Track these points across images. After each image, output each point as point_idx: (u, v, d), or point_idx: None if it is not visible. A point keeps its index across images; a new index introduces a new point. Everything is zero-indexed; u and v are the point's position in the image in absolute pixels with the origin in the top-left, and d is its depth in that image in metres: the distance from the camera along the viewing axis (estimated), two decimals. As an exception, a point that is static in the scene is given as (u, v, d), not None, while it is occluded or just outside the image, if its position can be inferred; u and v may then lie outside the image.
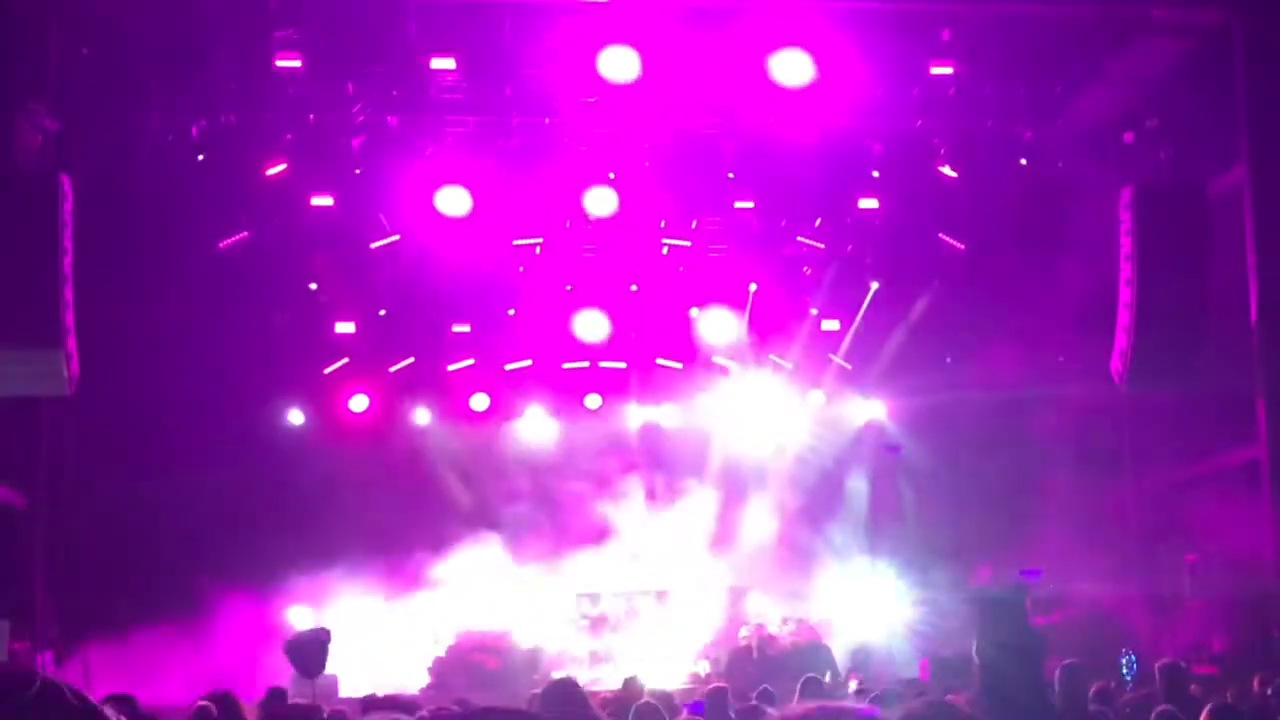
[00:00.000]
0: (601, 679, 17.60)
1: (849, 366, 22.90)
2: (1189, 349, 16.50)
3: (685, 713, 8.81)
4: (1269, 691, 10.19)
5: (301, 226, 20.18)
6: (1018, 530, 19.91)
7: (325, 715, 9.30)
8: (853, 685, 10.11)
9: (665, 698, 10.48)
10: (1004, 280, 20.72)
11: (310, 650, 14.84)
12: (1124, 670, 17.11)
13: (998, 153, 19.50)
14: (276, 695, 11.83)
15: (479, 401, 23.07)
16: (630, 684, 11.48)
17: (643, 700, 8.50)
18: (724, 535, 22.45)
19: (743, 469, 22.92)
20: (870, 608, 21.42)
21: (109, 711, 2.23)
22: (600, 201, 19.69)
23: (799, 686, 10.63)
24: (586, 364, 23.19)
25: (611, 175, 19.61)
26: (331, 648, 15.35)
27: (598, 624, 20.66)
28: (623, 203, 19.74)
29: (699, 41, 17.23)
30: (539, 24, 17.17)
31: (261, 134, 18.68)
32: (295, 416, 22.24)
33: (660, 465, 23.01)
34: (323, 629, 15.74)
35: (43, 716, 2.15)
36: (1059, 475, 20.13)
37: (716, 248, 21.78)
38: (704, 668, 19.84)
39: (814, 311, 22.80)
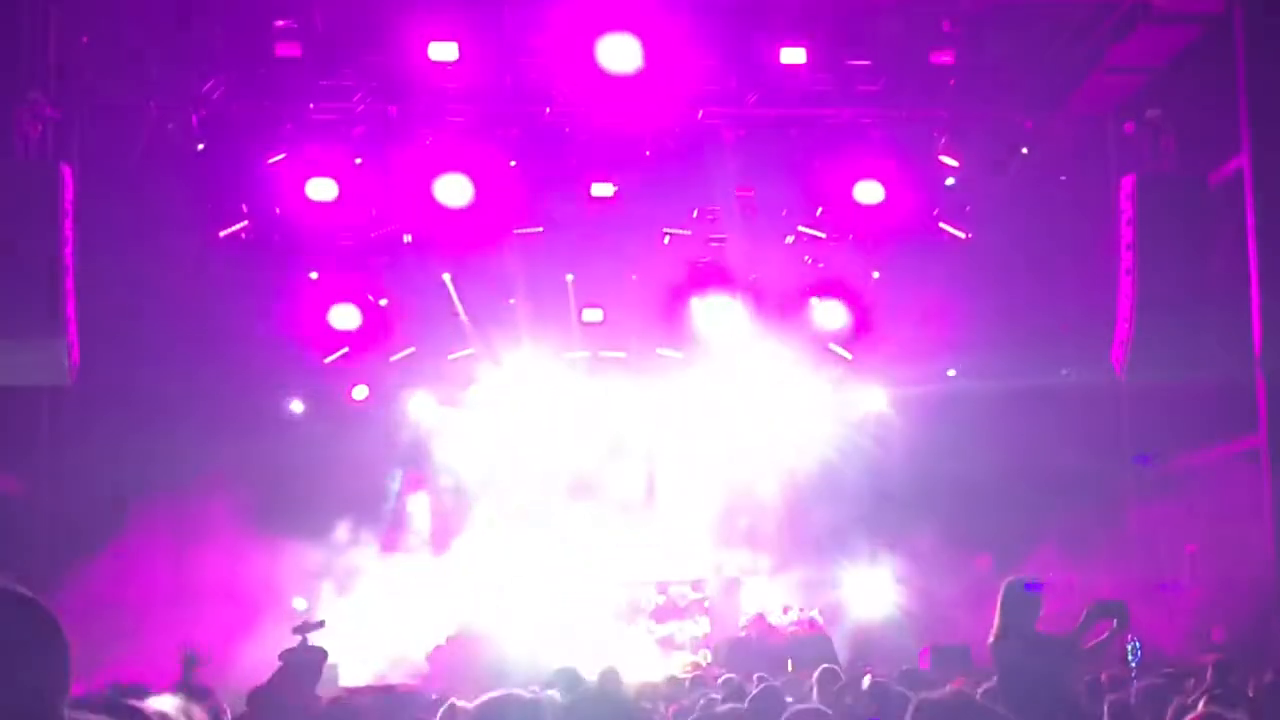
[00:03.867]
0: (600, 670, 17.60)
1: (849, 356, 22.88)
2: (1189, 338, 16.52)
3: None
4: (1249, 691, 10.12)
5: (302, 215, 20.17)
6: (1018, 519, 19.90)
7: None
8: (866, 681, 10.08)
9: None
10: (1004, 269, 20.71)
11: (307, 670, 14.79)
12: (1130, 657, 17.11)
13: (998, 142, 19.49)
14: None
15: (478, 390, 23.07)
16: (607, 675, 11.40)
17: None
18: (724, 525, 22.47)
19: (742, 459, 22.92)
20: (871, 597, 21.44)
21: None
22: (600, 189, 19.69)
23: (816, 677, 10.60)
24: (587, 354, 23.18)
25: (613, 180, 19.60)
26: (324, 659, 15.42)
27: (598, 615, 20.69)
28: (622, 191, 19.74)
29: (698, 31, 17.22)
30: (539, 12, 17.16)
31: (262, 123, 18.67)
32: (296, 405, 22.26)
33: (659, 455, 23.03)
34: (320, 650, 15.71)
35: None
36: (1059, 464, 20.12)
37: (717, 237, 21.76)
38: (704, 658, 19.88)
39: (814, 301, 22.78)
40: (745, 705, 8.15)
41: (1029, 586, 8.74)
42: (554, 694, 7.42)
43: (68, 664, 2.22)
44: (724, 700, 9.36)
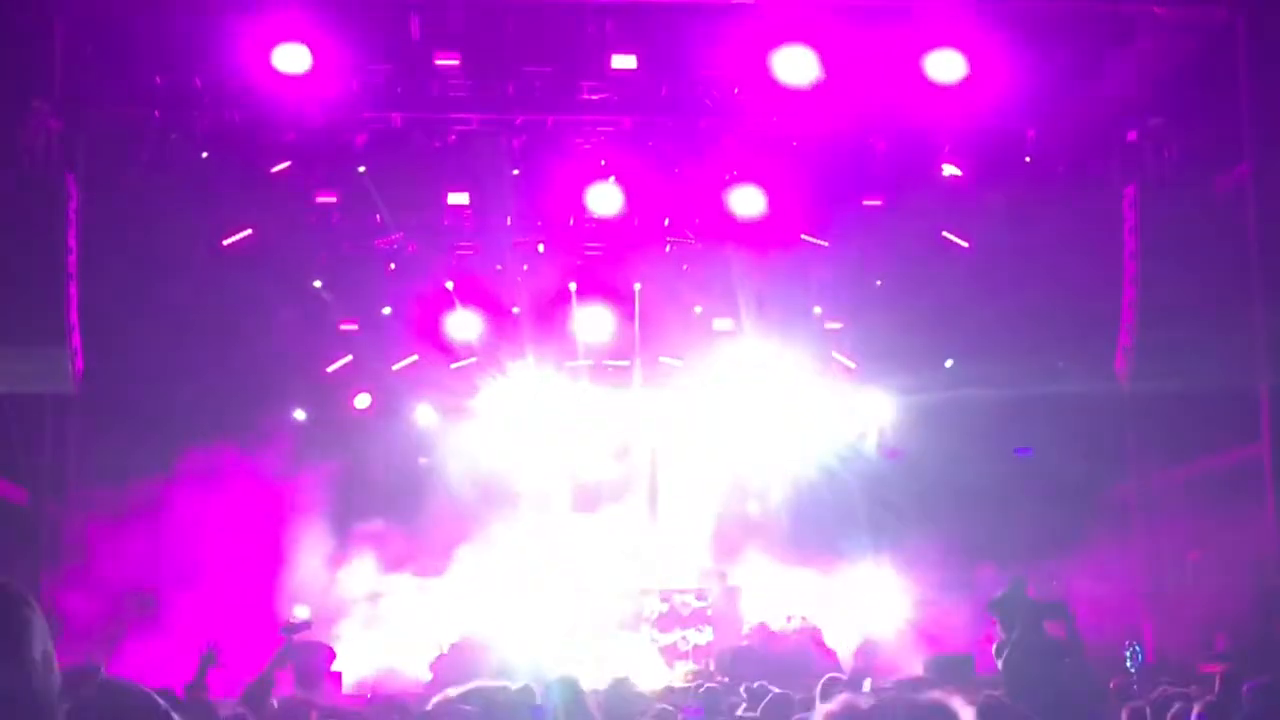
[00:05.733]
0: (604, 678, 17.59)
1: (852, 365, 22.89)
2: (1193, 346, 16.51)
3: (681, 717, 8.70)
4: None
5: (306, 224, 20.20)
6: (1021, 528, 19.91)
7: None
8: (867, 684, 10.11)
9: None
10: (1007, 278, 20.71)
11: (311, 666, 14.82)
12: (1128, 662, 17.11)
13: (1001, 150, 19.49)
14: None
15: (482, 399, 23.07)
16: (619, 685, 11.40)
17: (659, 708, 8.44)
18: (727, 533, 22.46)
19: (745, 467, 22.92)
20: (873, 606, 21.42)
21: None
22: (603, 200, 19.68)
23: (820, 686, 10.59)
24: (590, 362, 23.19)
25: (614, 179, 19.57)
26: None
27: (601, 623, 20.67)
28: (626, 201, 19.74)
29: (701, 38, 17.26)
30: (542, 21, 17.20)
31: (265, 132, 18.69)
32: (298, 414, 22.26)
33: (662, 463, 23.03)
34: (327, 646, 15.72)
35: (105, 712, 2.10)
36: (1062, 473, 20.13)
37: (720, 245, 21.76)
38: (707, 667, 19.87)
39: (817, 310, 22.80)
40: (758, 713, 8.17)
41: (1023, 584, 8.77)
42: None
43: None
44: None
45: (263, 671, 9.28)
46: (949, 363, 22.16)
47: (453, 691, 5.58)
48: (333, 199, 19.72)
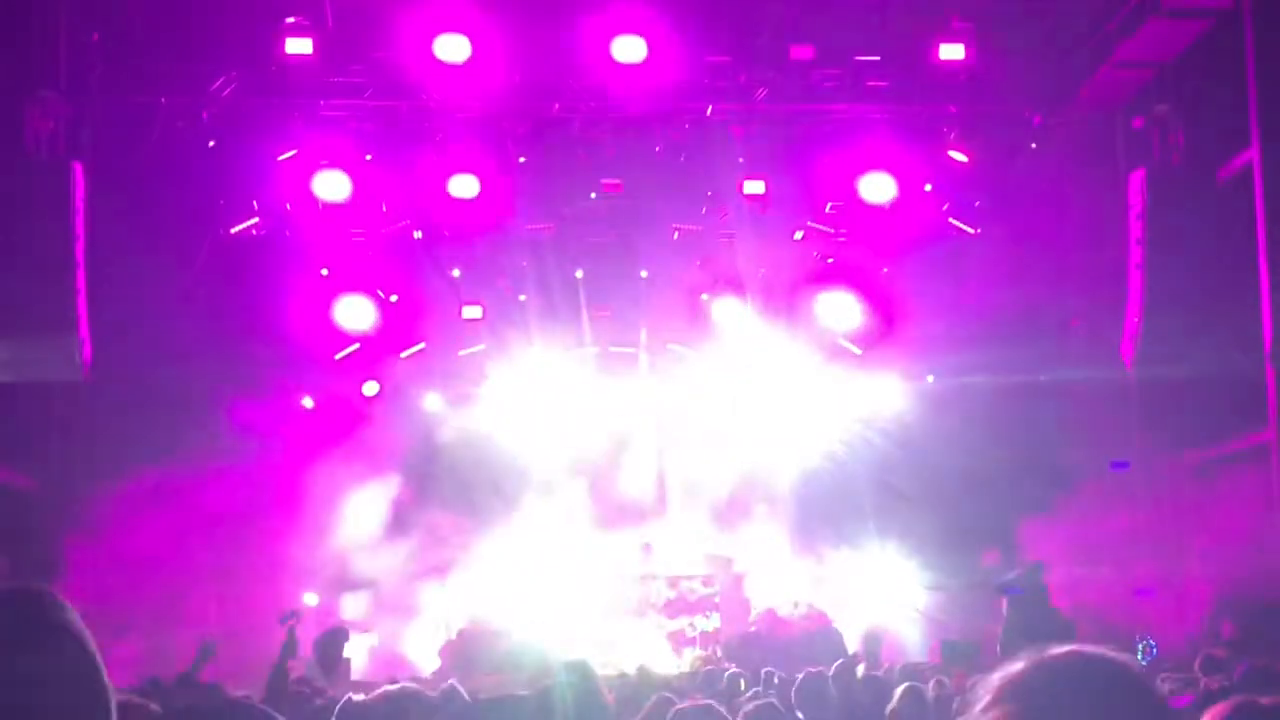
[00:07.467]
0: (612, 664, 17.67)
1: (858, 351, 22.88)
2: (1199, 332, 16.53)
3: None
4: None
5: (312, 212, 20.21)
6: (1027, 515, 19.91)
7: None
8: (860, 669, 10.14)
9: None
10: (1014, 264, 20.70)
11: (331, 649, 14.95)
12: (1140, 655, 17.11)
13: (1007, 137, 19.49)
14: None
15: (488, 386, 23.10)
16: (640, 672, 11.50)
17: (659, 695, 8.44)
18: (734, 519, 22.49)
19: (752, 453, 22.94)
20: (880, 592, 21.47)
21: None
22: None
23: (833, 670, 10.64)
24: (596, 350, 23.21)
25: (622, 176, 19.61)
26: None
27: (609, 609, 20.74)
28: (631, 188, 19.76)
29: (706, 27, 17.27)
30: (548, 12, 17.21)
31: (272, 119, 18.71)
32: (307, 401, 22.30)
33: (669, 449, 23.06)
34: (341, 629, 15.85)
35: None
36: (1068, 459, 20.13)
37: (726, 232, 21.78)
38: (714, 653, 19.93)
39: (823, 296, 22.78)
40: (793, 692, 8.21)
41: (1008, 590, 8.83)
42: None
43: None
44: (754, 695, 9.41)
45: (277, 663, 9.33)
46: (930, 378, 22.17)
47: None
48: (340, 186, 19.72)
